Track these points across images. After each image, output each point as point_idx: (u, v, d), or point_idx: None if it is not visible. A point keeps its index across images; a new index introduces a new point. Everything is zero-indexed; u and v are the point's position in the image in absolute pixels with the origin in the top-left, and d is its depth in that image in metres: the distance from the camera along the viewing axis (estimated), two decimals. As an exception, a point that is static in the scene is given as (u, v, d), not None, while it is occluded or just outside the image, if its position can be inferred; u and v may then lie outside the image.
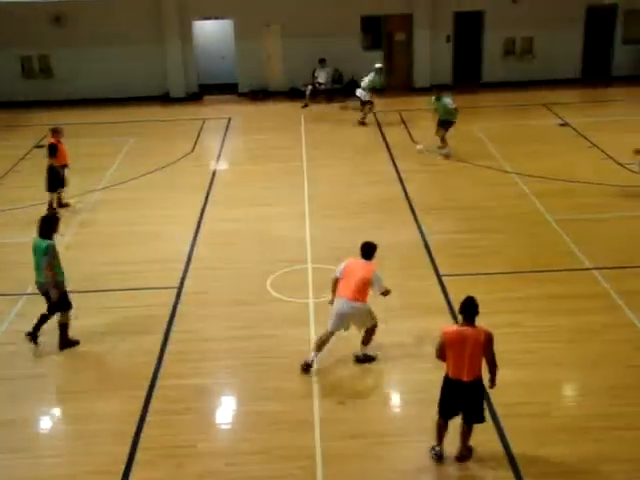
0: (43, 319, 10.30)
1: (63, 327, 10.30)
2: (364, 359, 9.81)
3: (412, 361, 9.81)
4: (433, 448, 8.09)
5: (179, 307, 11.39)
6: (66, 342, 10.34)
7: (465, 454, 8.03)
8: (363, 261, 9.69)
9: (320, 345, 9.63)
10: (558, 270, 11.97)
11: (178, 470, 8.08)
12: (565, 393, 9.43)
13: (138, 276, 12.26)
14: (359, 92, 21.05)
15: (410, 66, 25.14)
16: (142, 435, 8.58)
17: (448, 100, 17.76)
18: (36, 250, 10.02)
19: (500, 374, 9.15)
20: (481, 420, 7.95)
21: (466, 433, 7.99)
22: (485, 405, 8.04)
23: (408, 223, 14.14)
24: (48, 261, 9.86)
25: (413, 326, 10.61)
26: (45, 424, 9.06)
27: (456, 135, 18.46)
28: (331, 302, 9.74)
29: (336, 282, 9.68)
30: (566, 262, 12.29)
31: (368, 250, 9.74)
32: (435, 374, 9.41)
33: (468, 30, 24.93)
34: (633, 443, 8.16)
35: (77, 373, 9.91)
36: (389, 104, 23.37)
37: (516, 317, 10.71)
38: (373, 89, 21.03)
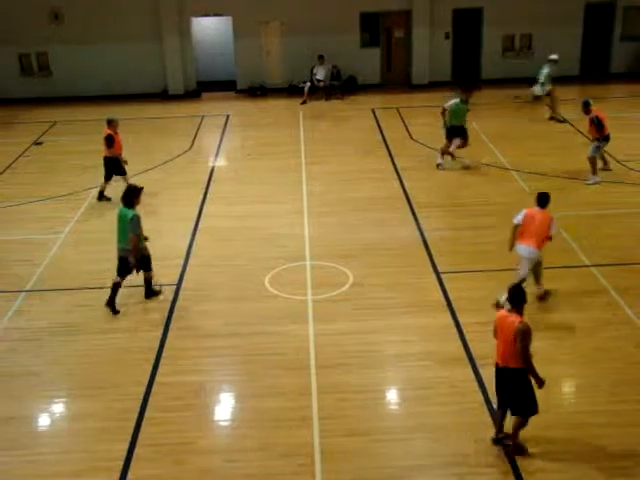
0: (115, 287, 11.17)
1: (148, 281, 11.48)
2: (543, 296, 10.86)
3: (412, 358, 9.83)
4: (494, 436, 8.18)
5: (178, 303, 11.40)
6: (150, 292, 11.55)
7: (510, 444, 8.02)
8: (539, 209, 10.68)
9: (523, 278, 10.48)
10: (557, 267, 11.97)
11: (177, 467, 8.09)
12: (564, 390, 9.45)
13: (137, 273, 12.28)
14: (536, 89, 20.64)
15: (409, 63, 25.14)
16: (141, 432, 8.59)
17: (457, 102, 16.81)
18: (121, 219, 10.98)
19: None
20: (524, 413, 7.86)
21: (514, 423, 7.97)
22: (532, 398, 7.86)
23: (407, 220, 14.15)
24: (132, 229, 10.82)
25: (413, 323, 10.63)
26: (44, 421, 9.05)
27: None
28: (510, 248, 10.81)
29: (515, 229, 10.70)
30: (565, 259, 12.30)
31: (543, 199, 10.71)
32: (435, 371, 9.49)
33: (467, 27, 24.93)
34: (632, 440, 8.17)
35: (75, 370, 9.91)
36: (388, 101, 23.39)
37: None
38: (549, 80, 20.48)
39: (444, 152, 16.93)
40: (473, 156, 17.34)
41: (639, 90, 23.41)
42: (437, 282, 11.75)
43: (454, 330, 10.40)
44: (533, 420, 7.97)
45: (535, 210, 10.71)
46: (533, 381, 7.75)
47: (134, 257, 10.99)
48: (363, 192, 15.68)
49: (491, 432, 8.30)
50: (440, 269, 12.15)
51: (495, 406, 8.31)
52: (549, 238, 10.66)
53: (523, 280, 10.31)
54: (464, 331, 10.34)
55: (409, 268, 12.26)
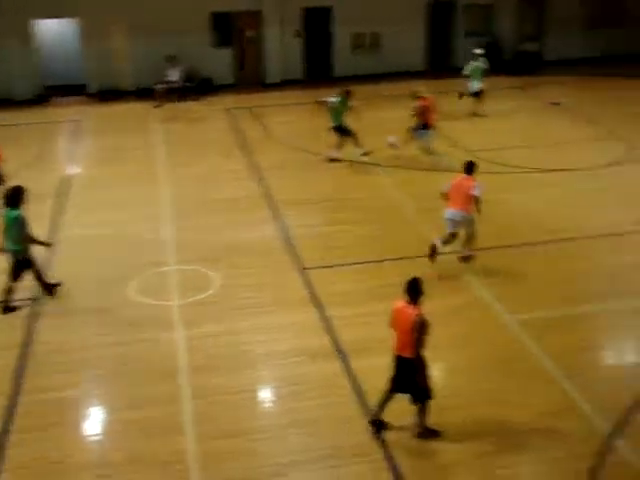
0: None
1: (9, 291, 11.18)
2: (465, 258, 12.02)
3: (282, 355, 9.87)
4: (372, 417, 8.34)
5: (39, 318, 10.92)
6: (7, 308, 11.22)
7: (420, 431, 8.18)
8: (466, 176, 11.91)
9: (446, 242, 11.96)
10: (422, 257, 12.32)
11: (47, 488, 7.75)
12: (436, 373, 9.72)
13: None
14: (474, 85, 20.62)
15: (261, 62, 25.21)
16: (6, 455, 8.16)
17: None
18: (8, 220, 10.81)
19: (372, 361, 9.44)
20: (422, 399, 8.06)
21: (417, 411, 8.16)
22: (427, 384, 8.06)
23: (271, 219, 14.19)
24: (20, 228, 10.83)
25: (281, 321, 10.67)
26: None
27: (312, 130, 18.67)
28: None
29: (444, 196, 11.97)
30: (424, 248, 12.66)
31: (469, 167, 12.03)
32: (305, 367, 9.56)
33: (317, 26, 25.28)
34: (501, 417, 8.54)
35: None
36: (242, 101, 23.36)
37: (382, 305, 10.77)
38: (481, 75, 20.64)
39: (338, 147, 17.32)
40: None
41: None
42: (303, 278, 11.85)
43: (322, 325, 10.52)
44: (409, 404, 8.19)
45: (461, 177, 11.90)
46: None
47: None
48: (225, 193, 15.60)
49: (361, 421, 8.46)
50: (305, 265, 12.25)
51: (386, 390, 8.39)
52: (476, 200, 11.68)
53: (452, 235, 11.96)
54: (332, 325, 10.48)
55: (275, 266, 12.30)
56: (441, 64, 26.12)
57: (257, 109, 22.21)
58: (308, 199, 15.19)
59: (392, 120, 20.22)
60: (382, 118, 20.79)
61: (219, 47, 24.85)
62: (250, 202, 15.08)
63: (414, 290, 7.90)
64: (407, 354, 7.89)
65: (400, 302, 8.05)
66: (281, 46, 24.90)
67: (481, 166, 16.32)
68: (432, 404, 8.18)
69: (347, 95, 17.09)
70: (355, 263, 12.28)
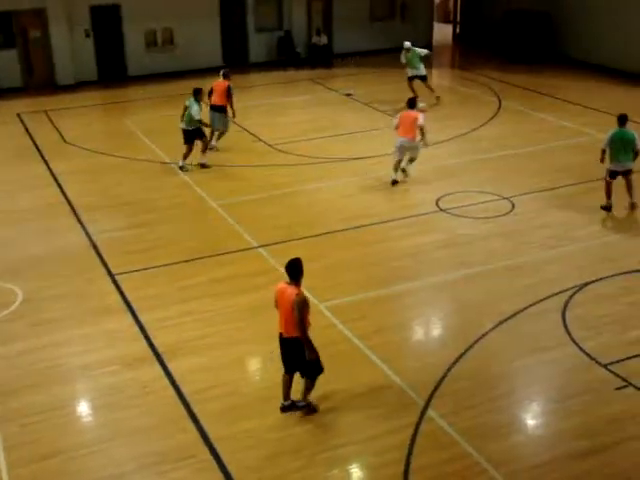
0: None
1: None
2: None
3: (98, 366, 9.53)
4: (281, 404, 8.45)
5: None
6: None
7: (301, 405, 8.45)
8: (410, 110, 14.96)
9: (396, 166, 14.98)
10: (229, 252, 12.37)
11: None
12: (251, 369, 9.82)
13: None
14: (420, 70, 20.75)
15: (51, 64, 24.04)
16: None
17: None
18: None
19: (191, 361, 9.36)
20: (311, 375, 8.26)
21: (303, 386, 8.35)
22: (316, 360, 8.18)
23: (73, 226, 13.61)
24: None
25: (94, 330, 10.31)
26: None
27: (107, 130, 18.05)
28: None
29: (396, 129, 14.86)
30: (235, 244, 12.74)
31: (412, 102, 15.26)
32: (123, 375, 9.30)
33: (107, 24, 24.47)
34: (321, 401, 8.73)
35: None
36: (34, 104, 22.16)
37: (194, 305, 10.89)
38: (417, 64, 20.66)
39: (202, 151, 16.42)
40: (132, 153, 17.20)
41: (277, 78, 24.90)
42: (113, 285, 11.49)
43: (136, 330, 10.26)
44: (225, 404, 8.15)
45: (406, 112, 14.96)
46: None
47: None
48: (21, 202, 14.77)
49: (185, 423, 8.37)
50: (113, 271, 11.88)
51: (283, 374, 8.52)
52: (421, 128, 14.54)
53: (399, 162, 14.95)
54: (147, 329, 10.26)
55: (82, 275, 11.84)
56: (237, 59, 26.19)
57: (51, 112, 21.16)
58: (111, 203, 14.71)
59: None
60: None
61: (1, 49, 23.38)
62: (49, 210, 14.39)
63: (294, 270, 8.08)
64: (292, 333, 8.07)
65: (282, 283, 8.21)
66: (71, 46, 23.83)
67: (281, 158, 16.77)
68: (248, 392, 8.26)
69: (197, 95, 15.99)
70: (164, 265, 12.08)
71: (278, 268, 11.82)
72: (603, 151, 13.51)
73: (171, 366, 9.40)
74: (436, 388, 8.88)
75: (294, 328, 8.02)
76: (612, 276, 11.37)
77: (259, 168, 16.29)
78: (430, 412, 8.48)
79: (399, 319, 10.67)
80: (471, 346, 9.70)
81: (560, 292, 10.92)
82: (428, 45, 28.84)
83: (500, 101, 21.00)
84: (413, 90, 20.16)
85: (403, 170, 15.21)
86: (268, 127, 19.02)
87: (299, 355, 8.15)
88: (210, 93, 17.07)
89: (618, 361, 9.29)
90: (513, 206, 13.80)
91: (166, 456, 7.96)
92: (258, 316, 10.56)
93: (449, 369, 9.23)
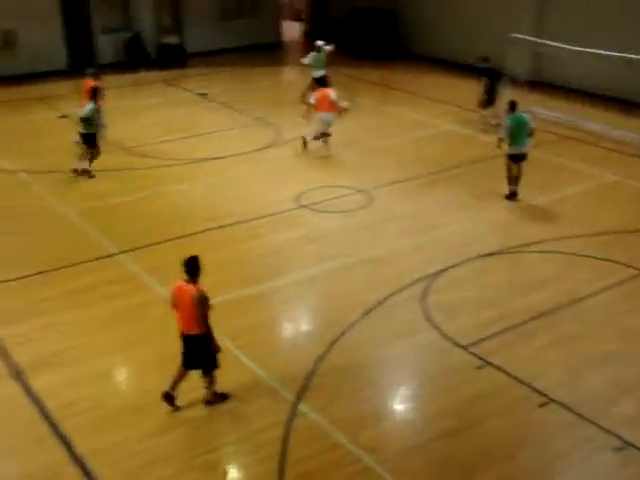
0: None
1: None
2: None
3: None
4: (165, 391, 8.44)
5: None
6: None
7: (210, 399, 8.56)
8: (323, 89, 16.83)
9: (317, 137, 16.69)
10: (87, 261, 11.97)
11: None
12: (118, 379, 9.56)
13: None
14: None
15: None
16: None
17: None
18: None
19: (53, 376, 9.01)
20: (210, 369, 8.43)
21: (206, 382, 8.52)
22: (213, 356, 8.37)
23: None
24: None
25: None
26: None
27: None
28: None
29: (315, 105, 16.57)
30: (93, 252, 12.33)
31: (322, 81, 17.84)
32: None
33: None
34: (184, 409, 8.62)
35: None
36: None
37: (53, 317, 10.46)
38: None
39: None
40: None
41: (128, 80, 24.29)
42: (-37, 302, 10.89)
43: (-7, 348, 9.79)
44: (92, 417, 7.90)
45: (321, 90, 16.66)
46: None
47: None
48: None
49: (51, 441, 8.05)
50: (-37, 288, 11.26)
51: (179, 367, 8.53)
52: (334, 103, 16.28)
53: (323, 135, 16.57)
54: (3, 346, 9.76)
55: None
56: (84, 62, 25.32)
57: None
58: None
59: (44, 122, 19.35)
60: (33, 121, 19.73)
61: None
62: None
63: (192, 268, 8.10)
64: (194, 331, 8.13)
65: (178, 282, 8.20)
66: None
67: (139, 162, 16.40)
68: (115, 403, 8.16)
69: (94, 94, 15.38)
70: (18, 278, 11.51)
71: (140, 274, 11.59)
72: (500, 139, 14.23)
73: (32, 383, 9.01)
74: (306, 382, 8.98)
75: (196, 325, 8.08)
76: (467, 261, 11.87)
77: (116, 172, 15.86)
78: (301, 406, 8.56)
79: (267, 317, 10.69)
80: (338, 338, 9.87)
81: (420, 279, 11.29)
82: (278, 43, 29.14)
83: (353, 97, 21.44)
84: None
85: (325, 142, 16.67)
86: (123, 131, 18.54)
87: (202, 351, 8.25)
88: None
89: (476, 342, 9.73)
90: (371, 199, 14.16)
91: (32, 477, 7.62)
92: (121, 324, 10.31)
93: (318, 363, 9.35)
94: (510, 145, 14.10)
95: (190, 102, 21.53)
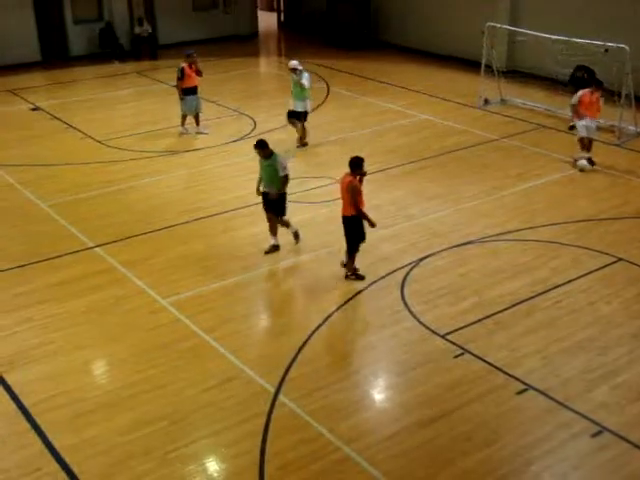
0: None
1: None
2: None
3: None
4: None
5: None
6: None
7: (349, 273, 11.10)
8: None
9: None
10: (63, 255, 11.87)
11: None
12: (95, 373, 9.49)
13: None
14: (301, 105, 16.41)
15: None
16: None
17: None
18: None
19: (24, 373, 8.98)
20: (358, 241, 10.89)
21: (349, 258, 11.01)
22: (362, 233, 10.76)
23: None
24: None
25: None
26: None
27: None
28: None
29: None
30: (69, 245, 12.23)
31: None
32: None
33: None
34: (162, 402, 8.60)
35: None
36: None
37: (29, 312, 10.37)
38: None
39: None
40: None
41: (101, 71, 24.06)
42: None
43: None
44: (70, 412, 7.84)
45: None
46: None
47: None
48: None
49: (29, 436, 8.01)
50: (-64, 284, 11.13)
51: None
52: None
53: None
54: (-21, 342, 9.70)
55: None
56: (56, 53, 25.08)
57: None
58: None
59: (17, 114, 19.16)
60: (4, 112, 19.55)
61: None
62: None
63: (353, 164, 10.49)
64: (348, 213, 10.59)
65: (344, 174, 10.59)
66: None
67: (111, 154, 16.27)
68: (93, 397, 8.05)
69: None
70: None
71: (117, 267, 11.52)
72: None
73: (9, 379, 8.92)
74: (285, 373, 8.98)
75: (348, 208, 10.51)
76: (443, 250, 11.93)
77: (89, 165, 15.74)
78: (281, 398, 8.56)
79: (244, 309, 10.65)
80: (316, 329, 9.88)
81: (398, 269, 11.33)
82: (254, 34, 28.99)
83: (328, 87, 21.42)
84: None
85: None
86: (96, 123, 18.40)
87: (352, 230, 10.70)
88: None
89: (454, 330, 9.78)
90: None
91: (9, 472, 7.56)
92: (99, 318, 10.26)
93: (297, 354, 9.36)
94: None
95: (162, 94, 21.31)
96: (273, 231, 11.98)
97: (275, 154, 11.67)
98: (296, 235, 12.14)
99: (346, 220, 10.74)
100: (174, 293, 10.79)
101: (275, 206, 11.78)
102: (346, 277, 11.04)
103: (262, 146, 11.60)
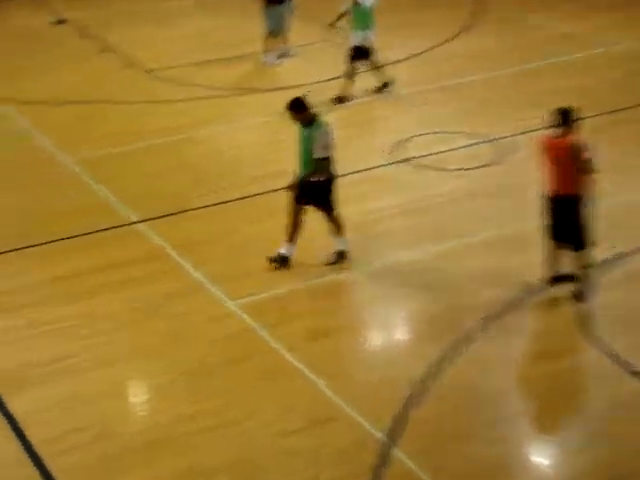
0: None
1: None
2: None
3: None
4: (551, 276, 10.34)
5: None
6: None
7: (581, 292, 10.32)
8: None
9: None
10: (90, 232, 12.05)
11: None
12: (130, 401, 9.59)
13: None
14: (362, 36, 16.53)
15: None
16: None
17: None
18: None
19: (30, 397, 9.16)
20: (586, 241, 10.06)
21: (577, 261, 10.30)
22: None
23: None
24: None
25: None
26: None
27: None
28: None
29: None
30: (101, 219, 12.46)
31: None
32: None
33: None
34: (223, 446, 8.57)
35: None
36: None
37: (36, 312, 10.57)
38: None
39: None
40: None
41: None
42: None
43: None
44: (93, 452, 7.99)
45: None
46: None
47: None
48: None
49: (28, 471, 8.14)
50: None
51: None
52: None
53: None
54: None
55: None
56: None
57: None
58: None
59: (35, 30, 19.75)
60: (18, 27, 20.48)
61: None
62: None
63: (566, 117, 9.70)
64: (568, 191, 9.76)
65: (545, 136, 9.98)
66: None
67: (163, 90, 16.44)
68: (125, 433, 8.42)
69: None
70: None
71: (167, 251, 11.61)
72: None
73: (11, 404, 9.10)
74: (402, 416, 8.84)
75: (572, 184, 9.68)
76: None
77: (132, 106, 16.02)
78: (395, 451, 8.42)
79: (343, 319, 10.62)
80: (448, 354, 9.69)
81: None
82: None
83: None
84: None
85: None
86: (143, 44, 18.68)
87: (574, 218, 9.79)
88: None
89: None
90: (501, 152, 13.91)
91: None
92: (138, 323, 10.39)
93: (418, 388, 9.18)
94: None
95: (238, 5, 21.36)
96: (292, 235, 11.14)
97: (318, 122, 10.85)
98: (341, 255, 11.26)
99: (567, 202, 9.90)
100: (247, 293, 10.81)
101: (317, 196, 11.01)
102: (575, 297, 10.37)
103: (298, 107, 10.74)
